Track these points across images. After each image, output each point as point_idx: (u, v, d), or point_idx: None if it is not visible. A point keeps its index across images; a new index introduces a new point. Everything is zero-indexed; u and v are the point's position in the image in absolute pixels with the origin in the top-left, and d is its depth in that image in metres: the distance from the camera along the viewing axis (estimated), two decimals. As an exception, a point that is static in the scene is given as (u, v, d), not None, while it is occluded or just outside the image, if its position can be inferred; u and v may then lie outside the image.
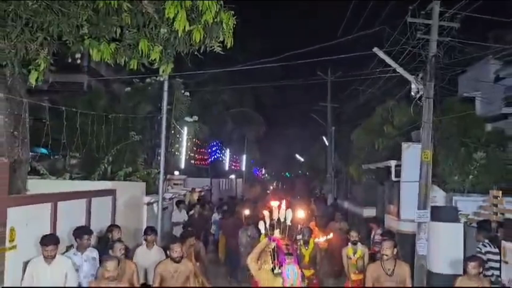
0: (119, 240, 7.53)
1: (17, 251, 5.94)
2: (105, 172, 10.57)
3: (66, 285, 6.32)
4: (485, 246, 8.04)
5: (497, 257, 7.73)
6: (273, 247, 6.20)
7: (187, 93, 16.26)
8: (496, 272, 7.73)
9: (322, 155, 32.82)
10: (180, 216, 14.14)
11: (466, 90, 24.06)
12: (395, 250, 6.84)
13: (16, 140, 8.03)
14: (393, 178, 14.48)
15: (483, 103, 23.24)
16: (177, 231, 12.99)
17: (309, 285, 8.20)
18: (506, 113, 21.58)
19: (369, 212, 19.07)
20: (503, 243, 7.57)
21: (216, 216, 16.18)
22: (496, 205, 9.87)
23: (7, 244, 5.68)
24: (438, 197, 12.74)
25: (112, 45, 7.62)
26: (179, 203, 14.71)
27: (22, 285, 6.07)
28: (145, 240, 8.30)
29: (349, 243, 8.88)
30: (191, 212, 14.83)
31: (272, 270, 6.06)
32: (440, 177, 13.45)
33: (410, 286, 6.88)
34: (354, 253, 8.67)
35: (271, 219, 6.59)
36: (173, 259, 6.79)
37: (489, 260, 7.79)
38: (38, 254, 6.28)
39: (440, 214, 10.86)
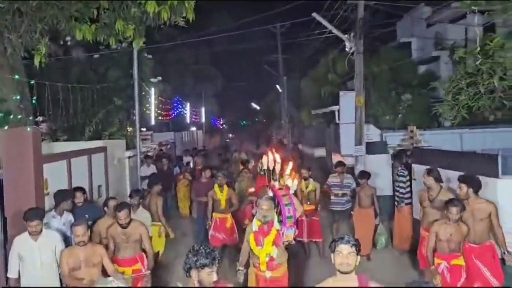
0: (112, 197, 7.84)
1: (50, 196, 7.89)
2: (93, 132, 12.40)
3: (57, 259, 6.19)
4: (404, 171, 10.33)
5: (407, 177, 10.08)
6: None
7: (150, 56, 18.00)
8: (402, 190, 9.96)
9: (276, 103, 35.15)
10: (148, 170, 14.11)
11: (404, 35, 26.49)
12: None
13: (22, 112, 9.85)
14: (337, 121, 16.87)
15: (418, 47, 25.81)
16: (145, 185, 12.88)
17: (308, 220, 9.61)
18: (436, 56, 24.06)
19: (320, 152, 21.62)
20: (413, 165, 9.99)
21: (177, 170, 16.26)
22: (412, 138, 12.40)
23: (45, 191, 7.63)
24: (373, 134, 15.21)
25: (92, 26, 9.41)
26: (146, 157, 14.98)
27: (10, 262, 6.14)
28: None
29: (302, 179, 9.83)
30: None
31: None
32: (375, 117, 15.94)
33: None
34: (306, 187, 9.96)
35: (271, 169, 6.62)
36: (120, 225, 6.64)
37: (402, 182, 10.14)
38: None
39: (373, 148, 13.35)
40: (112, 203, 7.28)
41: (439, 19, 23.66)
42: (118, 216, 6.58)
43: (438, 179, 7.53)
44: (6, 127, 8.46)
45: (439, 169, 7.92)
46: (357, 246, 3.96)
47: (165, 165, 15.07)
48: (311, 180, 10.15)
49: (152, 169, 14.33)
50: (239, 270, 6.18)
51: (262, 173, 7.42)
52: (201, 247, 4.00)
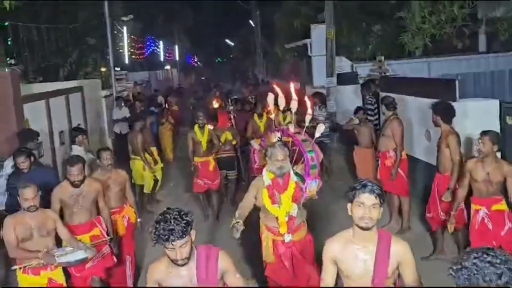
0: (106, 148, 6.76)
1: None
2: (68, 73, 12.55)
3: None
4: (372, 99, 10.81)
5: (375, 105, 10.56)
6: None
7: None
8: (371, 118, 10.39)
9: (250, 38, 34.98)
10: (120, 113, 13.51)
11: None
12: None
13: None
14: (310, 53, 17.13)
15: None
16: (119, 128, 13.10)
17: None
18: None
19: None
20: (380, 93, 10.44)
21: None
22: (380, 67, 12.83)
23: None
24: (345, 65, 15.55)
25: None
26: (117, 99, 14.33)
27: None
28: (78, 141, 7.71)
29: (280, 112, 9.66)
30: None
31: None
32: (347, 49, 16.25)
33: None
34: (284, 119, 9.96)
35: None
36: (71, 183, 5.41)
37: (370, 109, 10.64)
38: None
39: (344, 79, 13.75)
40: (106, 155, 6.07)
41: None
42: (70, 173, 5.36)
43: (389, 106, 7.58)
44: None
45: (404, 96, 8.37)
46: (382, 196, 3.08)
47: (138, 109, 13.79)
48: (288, 112, 10.25)
49: (124, 111, 13.58)
50: (237, 222, 4.67)
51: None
52: (167, 215, 3.01)
